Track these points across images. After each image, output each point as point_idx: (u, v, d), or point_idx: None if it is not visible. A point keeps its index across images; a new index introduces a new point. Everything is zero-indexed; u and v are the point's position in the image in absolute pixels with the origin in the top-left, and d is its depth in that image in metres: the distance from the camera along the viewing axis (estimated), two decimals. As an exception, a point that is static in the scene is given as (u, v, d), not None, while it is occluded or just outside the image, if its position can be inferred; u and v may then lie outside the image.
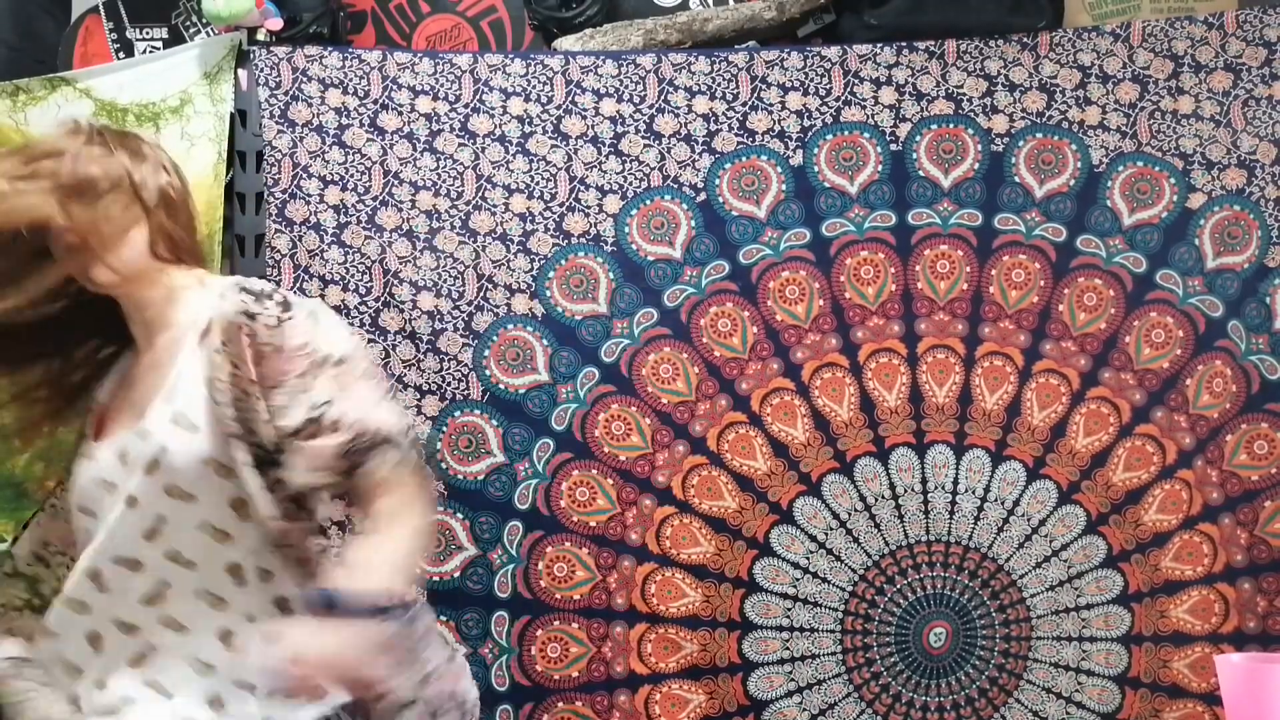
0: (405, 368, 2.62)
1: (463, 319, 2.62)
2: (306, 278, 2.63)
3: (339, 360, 1.71)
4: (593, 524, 2.61)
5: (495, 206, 2.64)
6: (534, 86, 2.67)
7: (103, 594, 1.73)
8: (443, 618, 2.50)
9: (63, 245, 1.72)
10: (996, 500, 2.61)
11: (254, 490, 1.67)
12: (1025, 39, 2.66)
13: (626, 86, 2.67)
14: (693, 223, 2.65)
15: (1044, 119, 2.64)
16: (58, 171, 1.72)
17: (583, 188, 2.65)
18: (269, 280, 2.58)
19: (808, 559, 2.61)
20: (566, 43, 2.75)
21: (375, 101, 2.67)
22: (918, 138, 2.65)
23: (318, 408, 1.67)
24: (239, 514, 1.70)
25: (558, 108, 2.66)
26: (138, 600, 1.73)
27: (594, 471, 2.61)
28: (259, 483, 1.67)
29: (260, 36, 2.74)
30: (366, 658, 1.50)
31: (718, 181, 2.65)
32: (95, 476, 1.75)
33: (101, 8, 3.00)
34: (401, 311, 2.62)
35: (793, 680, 2.61)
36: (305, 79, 2.67)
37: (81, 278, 1.74)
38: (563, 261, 2.63)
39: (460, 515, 2.60)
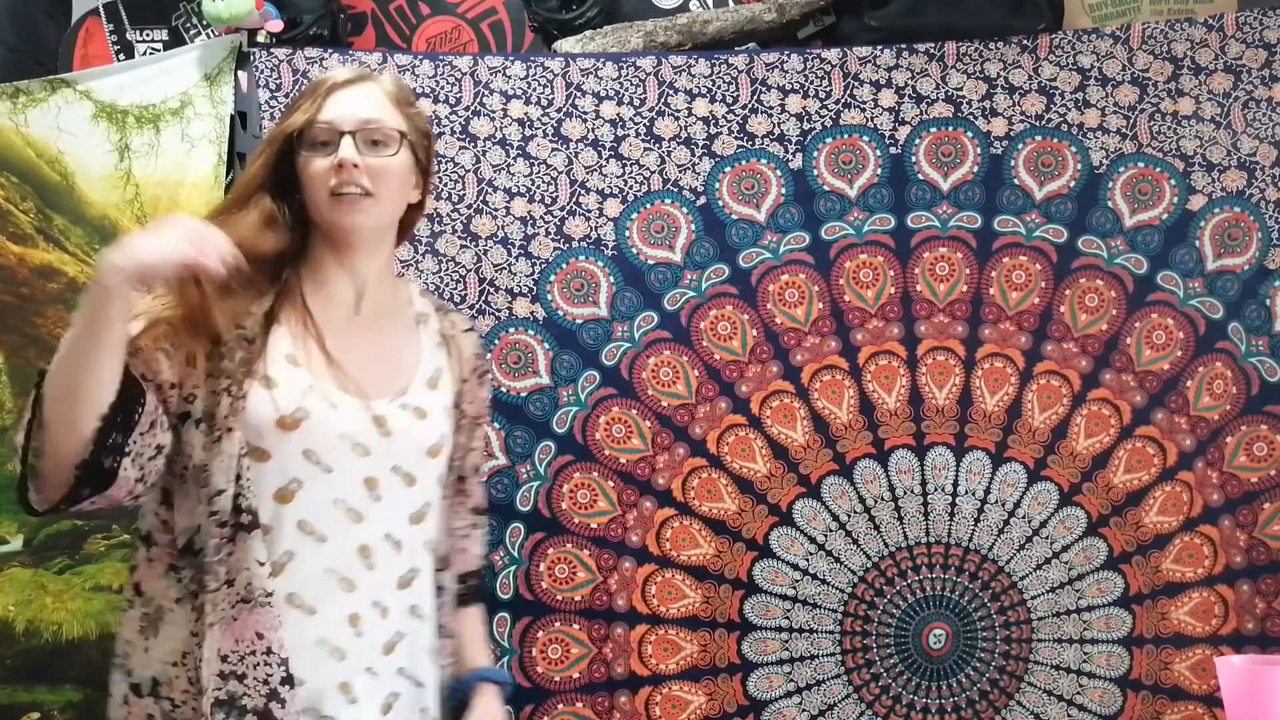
0: (406, 370, 2.62)
1: (463, 322, 2.63)
2: (307, 281, 2.63)
3: None
4: (594, 526, 2.61)
5: (496, 210, 2.64)
6: (534, 89, 2.67)
7: (370, 572, 1.69)
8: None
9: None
10: (997, 502, 2.61)
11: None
12: (1025, 41, 2.66)
13: (626, 89, 2.67)
14: (693, 226, 2.65)
15: (1043, 121, 2.64)
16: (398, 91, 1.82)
17: (583, 191, 2.65)
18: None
19: (807, 560, 2.62)
20: (566, 45, 2.75)
21: (376, 104, 2.67)
22: (917, 141, 2.65)
23: (477, 469, 1.94)
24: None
25: (558, 110, 2.66)
26: (394, 584, 1.71)
27: (595, 474, 2.61)
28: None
29: (260, 38, 2.74)
30: None
31: (718, 185, 2.65)
32: (341, 430, 1.68)
33: (102, 9, 3.00)
34: (402, 315, 2.63)
35: (792, 681, 2.61)
36: (306, 81, 2.67)
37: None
38: (564, 265, 2.63)
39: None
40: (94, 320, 1.52)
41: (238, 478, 1.62)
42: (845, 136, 2.65)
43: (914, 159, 2.65)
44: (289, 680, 1.61)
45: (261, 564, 1.61)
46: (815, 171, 2.65)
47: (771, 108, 2.66)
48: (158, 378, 1.64)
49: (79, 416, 1.53)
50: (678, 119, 2.66)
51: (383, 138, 1.73)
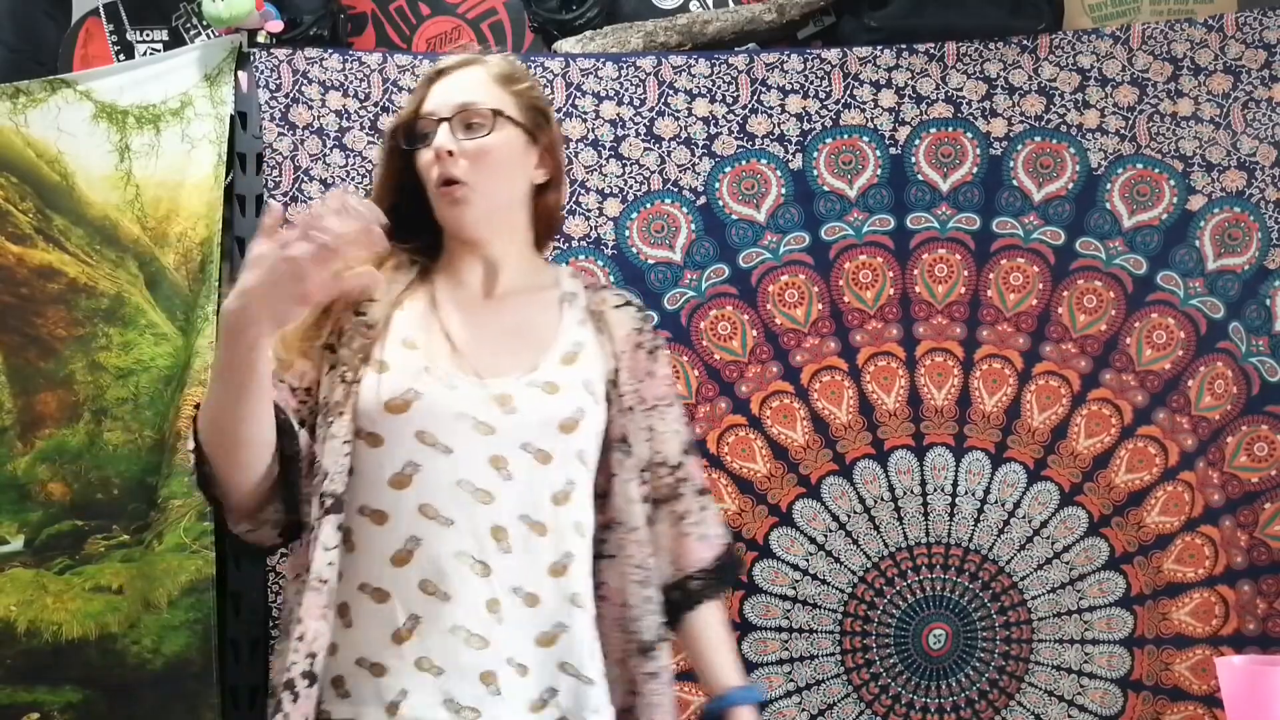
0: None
1: (463, 322, 2.62)
2: (307, 281, 2.63)
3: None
4: (593, 526, 2.61)
5: (495, 210, 2.64)
6: (534, 89, 2.67)
7: (507, 556, 1.58)
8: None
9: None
10: (997, 502, 2.61)
11: (587, 480, 1.66)
12: (1025, 41, 2.66)
13: (627, 89, 2.67)
14: (693, 226, 2.65)
15: (1043, 122, 2.64)
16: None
17: (583, 191, 2.65)
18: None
19: (807, 560, 2.62)
20: (567, 45, 2.75)
21: (376, 104, 2.67)
22: (916, 141, 2.65)
23: (687, 452, 1.77)
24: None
25: (558, 110, 2.66)
26: (544, 570, 1.60)
27: (594, 474, 2.61)
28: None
29: (260, 39, 2.74)
30: None
31: (718, 185, 2.65)
32: (459, 410, 1.59)
33: (102, 10, 3.00)
34: (402, 315, 2.63)
35: (792, 681, 2.61)
36: (306, 81, 2.67)
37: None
38: (563, 265, 2.63)
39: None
40: (241, 372, 1.45)
41: (340, 459, 1.57)
42: (845, 137, 2.66)
43: (914, 159, 2.65)
44: (309, 675, 1.52)
45: (327, 549, 1.54)
46: (815, 172, 2.65)
47: (771, 108, 2.66)
48: (304, 382, 1.60)
49: (247, 462, 1.52)
50: (678, 119, 2.66)
51: (478, 118, 1.65)
